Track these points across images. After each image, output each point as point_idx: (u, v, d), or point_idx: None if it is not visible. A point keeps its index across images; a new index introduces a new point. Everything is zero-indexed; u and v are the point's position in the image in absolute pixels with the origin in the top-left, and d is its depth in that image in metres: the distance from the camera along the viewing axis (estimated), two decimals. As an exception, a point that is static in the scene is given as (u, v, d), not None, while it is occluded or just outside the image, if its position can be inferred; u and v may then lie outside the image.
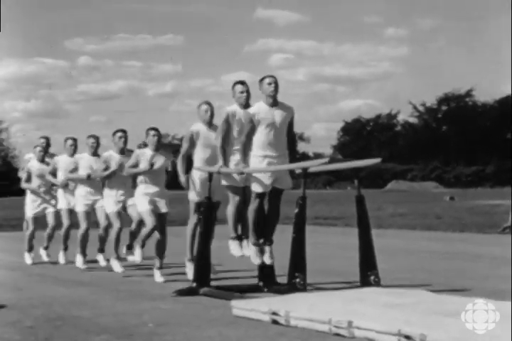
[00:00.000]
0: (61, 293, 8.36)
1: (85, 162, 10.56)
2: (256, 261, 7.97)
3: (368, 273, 7.62)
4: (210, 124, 8.74)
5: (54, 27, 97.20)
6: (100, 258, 10.68)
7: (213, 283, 8.16)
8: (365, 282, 7.60)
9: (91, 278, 9.75)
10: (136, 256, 9.36)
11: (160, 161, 9.36)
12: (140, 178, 9.39)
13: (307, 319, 5.99)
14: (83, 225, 10.61)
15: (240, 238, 8.19)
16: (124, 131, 10.16)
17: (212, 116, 8.77)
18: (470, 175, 71.51)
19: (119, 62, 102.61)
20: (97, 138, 10.72)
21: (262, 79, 7.86)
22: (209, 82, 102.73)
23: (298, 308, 6.22)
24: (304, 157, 70.89)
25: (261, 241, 7.91)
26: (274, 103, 7.83)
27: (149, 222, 9.15)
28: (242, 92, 8.21)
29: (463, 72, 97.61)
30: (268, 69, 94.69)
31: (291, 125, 7.96)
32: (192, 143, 8.71)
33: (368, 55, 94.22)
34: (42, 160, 11.53)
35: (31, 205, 11.51)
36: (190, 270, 8.71)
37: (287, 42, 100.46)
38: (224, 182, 8.19)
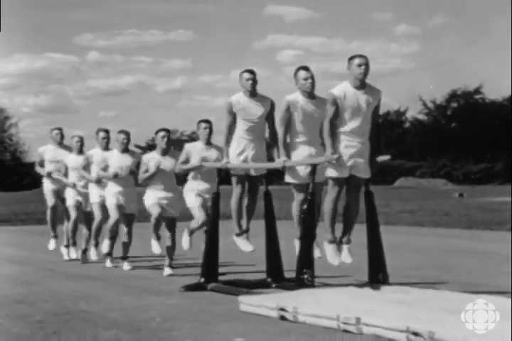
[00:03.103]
0: (70, 288, 8.38)
1: (115, 160, 10.03)
2: (334, 261, 7.41)
3: (376, 270, 7.60)
4: (252, 94, 7.98)
5: (63, 22, 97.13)
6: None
7: (221, 279, 8.17)
8: (373, 279, 7.58)
9: (100, 273, 9.77)
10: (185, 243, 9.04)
11: (212, 156, 8.92)
12: (191, 174, 9.01)
13: (315, 315, 5.99)
14: (114, 216, 10.06)
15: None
16: (167, 131, 9.60)
17: (254, 85, 7.94)
18: (479, 172, 71.29)
19: (128, 58, 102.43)
20: (127, 134, 10.14)
21: (351, 59, 7.20)
22: (218, 78, 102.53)
23: (306, 304, 6.22)
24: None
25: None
26: (362, 86, 7.21)
27: (199, 216, 8.87)
28: (306, 79, 7.49)
29: (473, 70, 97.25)
30: (277, 66, 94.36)
31: (376, 110, 7.35)
32: (233, 114, 7.93)
33: (378, 51, 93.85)
34: (80, 152, 11.03)
35: (71, 193, 11.00)
36: (243, 245, 8.12)
37: (297, 39, 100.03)
38: (288, 179, 7.68)
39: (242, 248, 8.13)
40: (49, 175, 11.35)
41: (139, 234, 10.50)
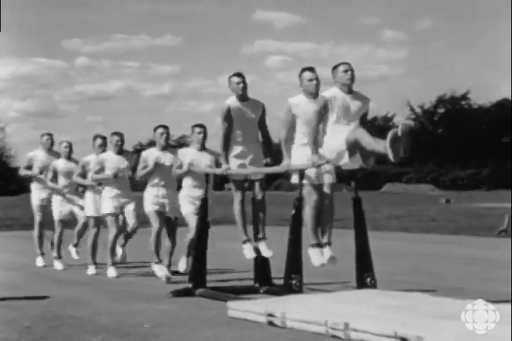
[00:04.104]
0: (58, 293, 8.35)
1: (111, 162, 9.83)
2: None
3: (364, 275, 7.59)
4: (244, 98, 7.84)
5: (52, 27, 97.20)
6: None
7: (209, 284, 8.16)
8: (361, 284, 7.58)
9: (88, 279, 9.75)
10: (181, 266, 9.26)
11: (206, 161, 8.93)
12: (186, 181, 9.01)
13: (303, 320, 5.99)
14: (112, 230, 9.87)
15: (320, 245, 7.53)
16: (165, 127, 9.52)
17: (245, 88, 7.81)
18: (466, 178, 71.49)
19: (116, 63, 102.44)
20: (121, 136, 9.96)
21: (335, 67, 7.23)
22: (206, 83, 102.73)
23: (294, 310, 6.22)
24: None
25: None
26: (350, 92, 7.23)
27: (192, 226, 8.82)
28: (311, 80, 7.41)
29: (460, 75, 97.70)
30: (266, 71, 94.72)
31: (364, 117, 7.38)
32: (231, 119, 7.75)
33: (366, 57, 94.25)
34: (68, 158, 10.94)
35: (58, 206, 10.91)
36: (248, 252, 7.98)
37: (285, 44, 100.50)
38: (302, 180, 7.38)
39: (247, 255, 8.00)
40: (41, 172, 11.13)
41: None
